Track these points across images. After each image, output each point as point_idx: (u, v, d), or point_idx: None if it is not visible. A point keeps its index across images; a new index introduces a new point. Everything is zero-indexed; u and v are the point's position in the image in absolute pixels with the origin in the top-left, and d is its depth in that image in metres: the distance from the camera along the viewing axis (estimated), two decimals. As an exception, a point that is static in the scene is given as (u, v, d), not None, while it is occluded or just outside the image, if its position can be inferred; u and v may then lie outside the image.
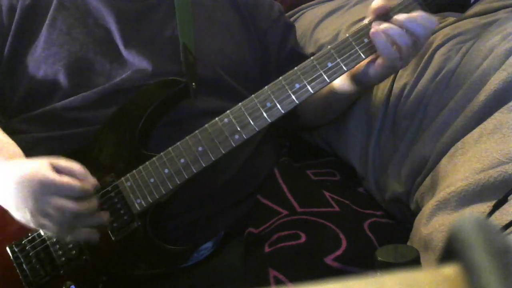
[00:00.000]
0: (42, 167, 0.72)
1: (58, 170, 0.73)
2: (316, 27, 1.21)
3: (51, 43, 0.90)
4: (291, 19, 1.26)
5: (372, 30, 0.75)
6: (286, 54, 1.02)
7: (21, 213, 0.73)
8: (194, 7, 0.95)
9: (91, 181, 0.74)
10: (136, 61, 0.88)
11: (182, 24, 0.91)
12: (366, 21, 0.79)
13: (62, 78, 0.88)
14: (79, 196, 0.71)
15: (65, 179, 0.71)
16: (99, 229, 0.76)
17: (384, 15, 0.76)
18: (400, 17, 0.74)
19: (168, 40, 0.91)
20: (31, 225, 0.74)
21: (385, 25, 0.74)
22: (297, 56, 1.02)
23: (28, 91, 0.90)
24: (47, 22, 0.91)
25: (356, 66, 0.80)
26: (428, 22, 0.74)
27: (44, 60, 0.89)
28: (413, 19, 0.74)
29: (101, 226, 0.76)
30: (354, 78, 0.83)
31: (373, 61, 0.78)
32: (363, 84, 0.85)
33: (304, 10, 1.34)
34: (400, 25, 0.74)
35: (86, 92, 0.87)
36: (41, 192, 0.71)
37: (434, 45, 0.87)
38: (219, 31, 0.96)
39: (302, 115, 0.99)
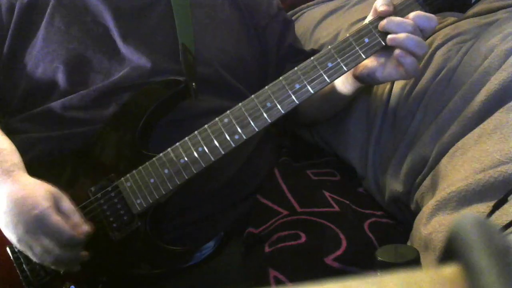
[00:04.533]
0: (45, 201, 0.72)
1: (58, 209, 0.74)
2: (316, 27, 1.22)
3: (49, 41, 0.90)
4: (291, 19, 1.26)
5: (393, 40, 0.75)
6: (285, 50, 1.02)
7: (8, 232, 0.73)
8: (193, 5, 0.95)
9: (84, 229, 0.74)
10: (135, 58, 0.88)
11: (181, 24, 0.91)
12: (366, 21, 0.79)
13: (60, 76, 0.88)
14: (66, 244, 0.72)
15: (60, 223, 0.71)
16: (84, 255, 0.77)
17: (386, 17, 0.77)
18: (410, 15, 0.75)
19: (167, 38, 0.91)
20: (15, 244, 0.74)
21: (404, 35, 0.74)
22: (296, 52, 1.02)
23: (27, 89, 0.90)
24: (45, 20, 0.92)
25: (361, 68, 0.80)
26: (430, 17, 0.75)
27: (42, 58, 0.90)
28: (420, 14, 0.75)
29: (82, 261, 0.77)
30: (359, 78, 0.83)
31: (381, 65, 0.78)
32: (366, 83, 0.85)
33: (304, 10, 1.35)
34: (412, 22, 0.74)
35: (84, 90, 0.87)
36: (34, 226, 0.71)
37: (434, 45, 0.87)
38: (218, 29, 0.96)
39: (301, 113, 0.99)
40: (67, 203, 0.75)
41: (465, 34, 0.86)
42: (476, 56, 0.79)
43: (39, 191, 0.74)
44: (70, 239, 0.72)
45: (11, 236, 0.73)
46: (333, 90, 0.89)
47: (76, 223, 0.74)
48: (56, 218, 0.72)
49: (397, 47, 0.75)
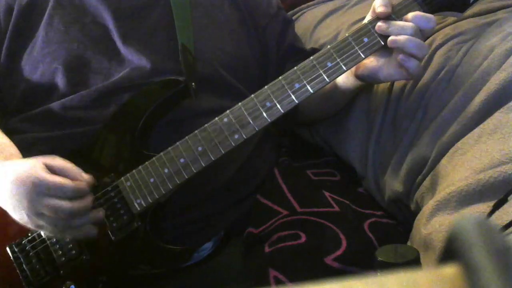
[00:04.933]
0: (35, 167, 0.73)
1: (51, 170, 0.74)
2: (316, 27, 1.22)
3: (48, 42, 0.90)
4: (291, 19, 1.26)
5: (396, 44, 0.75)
6: (285, 50, 1.02)
7: (18, 214, 0.74)
8: (192, 5, 0.95)
9: (85, 178, 0.74)
10: (135, 58, 0.88)
11: (181, 24, 0.91)
12: (365, 21, 0.79)
13: (60, 77, 0.88)
14: (72, 195, 0.72)
15: (58, 179, 0.72)
16: (98, 227, 0.76)
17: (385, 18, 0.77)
18: (409, 15, 0.76)
19: (166, 38, 0.91)
20: (29, 226, 0.74)
21: (404, 37, 0.74)
22: (296, 51, 1.02)
23: (27, 90, 0.90)
24: (44, 21, 0.91)
25: (361, 68, 0.80)
26: (429, 18, 0.75)
27: (42, 59, 0.90)
28: (419, 15, 0.75)
29: (97, 222, 0.76)
30: (360, 78, 0.83)
31: (382, 65, 0.79)
32: (367, 83, 0.85)
33: (304, 10, 1.34)
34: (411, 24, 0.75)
35: (84, 91, 0.87)
36: (34, 192, 0.71)
37: (434, 45, 0.87)
38: (218, 29, 0.96)
39: (302, 111, 0.99)
40: (58, 161, 0.75)
41: (465, 34, 0.86)
42: (476, 56, 0.79)
43: (27, 163, 0.74)
44: (75, 189, 0.72)
45: (20, 216, 0.73)
46: (334, 89, 0.89)
47: (73, 175, 0.74)
48: (52, 176, 0.72)
49: (398, 49, 0.75)
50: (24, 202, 0.72)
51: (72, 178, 0.73)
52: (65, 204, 0.71)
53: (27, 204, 0.72)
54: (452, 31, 0.87)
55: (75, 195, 0.72)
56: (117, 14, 0.92)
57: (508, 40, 0.76)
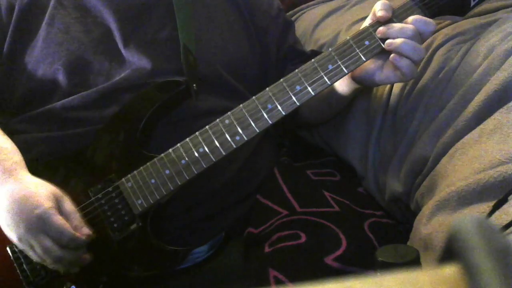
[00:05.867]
0: (47, 201, 0.72)
1: (60, 210, 0.74)
2: (316, 27, 1.22)
3: (49, 42, 0.90)
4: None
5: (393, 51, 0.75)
6: (286, 51, 1.02)
7: (9, 231, 0.73)
8: (193, 6, 0.95)
9: (85, 232, 0.74)
10: (136, 60, 0.88)
11: (182, 24, 0.91)
12: (366, 24, 0.79)
13: (61, 78, 0.88)
14: (66, 244, 0.72)
15: (63, 225, 0.72)
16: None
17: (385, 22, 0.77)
18: (409, 19, 0.76)
19: (168, 39, 0.91)
20: (16, 243, 0.74)
21: (400, 40, 0.74)
22: (296, 53, 1.02)
23: (27, 91, 0.90)
24: (45, 21, 0.91)
25: (359, 70, 0.80)
26: (428, 22, 0.75)
27: (42, 60, 0.89)
28: (418, 18, 0.75)
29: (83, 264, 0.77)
30: (356, 80, 0.83)
31: (379, 68, 0.79)
32: (365, 85, 0.85)
33: (304, 10, 1.35)
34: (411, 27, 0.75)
35: (85, 91, 0.87)
36: (36, 226, 0.71)
37: (434, 45, 0.87)
38: (219, 30, 0.96)
39: (301, 114, 0.99)
40: (68, 205, 0.75)
41: (465, 34, 0.86)
42: (476, 56, 0.79)
43: (42, 190, 0.74)
44: (71, 240, 0.72)
45: (12, 235, 0.73)
46: (332, 92, 0.90)
47: (76, 225, 0.74)
48: (58, 218, 0.72)
49: (394, 52, 0.75)
50: (21, 228, 0.72)
51: (74, 227, 0.74)
52: (56, 250, 0.72)
53: (23, 232, 0.72)
54: (452, 31, 0.87)
55: (69, 245, 0.73)
56: (118, 15, 0.91)
57: (508, 40, 0.76)
